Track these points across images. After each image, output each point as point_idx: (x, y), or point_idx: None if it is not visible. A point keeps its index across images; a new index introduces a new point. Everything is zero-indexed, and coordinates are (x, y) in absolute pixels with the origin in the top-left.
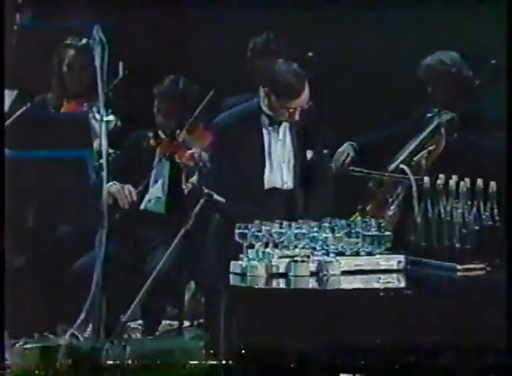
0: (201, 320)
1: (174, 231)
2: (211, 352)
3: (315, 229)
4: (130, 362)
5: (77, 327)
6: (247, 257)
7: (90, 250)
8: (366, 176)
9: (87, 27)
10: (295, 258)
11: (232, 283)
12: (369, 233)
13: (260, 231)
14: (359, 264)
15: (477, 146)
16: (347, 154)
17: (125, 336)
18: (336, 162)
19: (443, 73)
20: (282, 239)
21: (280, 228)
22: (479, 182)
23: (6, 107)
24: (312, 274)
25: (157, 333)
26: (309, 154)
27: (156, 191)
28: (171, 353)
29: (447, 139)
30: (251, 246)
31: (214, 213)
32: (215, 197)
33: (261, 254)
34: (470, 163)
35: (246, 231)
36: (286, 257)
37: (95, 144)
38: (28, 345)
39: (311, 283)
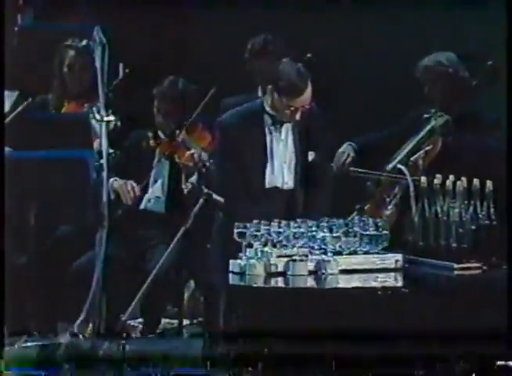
0: (200, 319)
1: (174, 230)
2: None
3: (313, 229)
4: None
5: (78, 326)
6: (246, 256)
7: (90, 249)
8: (366, 176)
9: (87, 28)
10: (294, 257)
11: (231, 282)
12: (367, 233)
13: (258, 230)
14: (357, 263)
15: (474, 146)
16: (348, 155)
17: (125, 334)
18: (336, 162)
19: (440, 74)
20: (280, 238)
21: (279, 227)
22: (475, 181)
23: (7, 108)
24: (311, 273)
25: (157, 331)
26: (311, 156)
27: (156, 191)
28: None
29: (443, 139)
30: (250, 245)
31: (216, 212)
32: (214, 196)
33: (259, 253)
34: (466, 163)
35: (245, 230)
36: (285, 256)
37: (96, 144)
38: (29, 344)
39: (310, 282)
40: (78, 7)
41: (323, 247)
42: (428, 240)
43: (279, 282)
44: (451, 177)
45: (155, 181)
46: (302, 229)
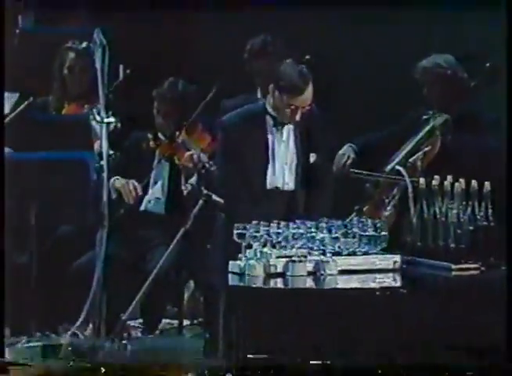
0: (201, 319)
1: (174, 231)
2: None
3: (312, 230)
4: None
5: (78, 326)
6: (245, 257)
7: (91, 249)
8: (366, 178)
9: (87, 30)
10: (293, 258)
11: (230, 282)
12: (366, 234)
13: (258, 231)
14: (356, 264)
15: (473, 147)
16: (348, 156)
17: (125, 334)
18: (337, 164)
19: (438, 75)
20: (279, 239)
21: (278, 228)
22: (474, 183)
23: (8, 109)
24: (310, 274)
25: (157, 331)
26: (312, 157)
27: (156, 192)
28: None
29: (442, 140)
30: (249, 246)
31: (218, 213)
32: (214, 197)
33: (259, 253)
34: (465, 164)
35: (244, 231)
36: (284, 257)
37: (96, 145)
38: (30, 344)
39: (309, 283)
40: (78, 9)
41: (322, 247)
42: (426, 241)
43: (279, 283)
44: (449, 178)
45: (155, 182)
46: (301, 230)
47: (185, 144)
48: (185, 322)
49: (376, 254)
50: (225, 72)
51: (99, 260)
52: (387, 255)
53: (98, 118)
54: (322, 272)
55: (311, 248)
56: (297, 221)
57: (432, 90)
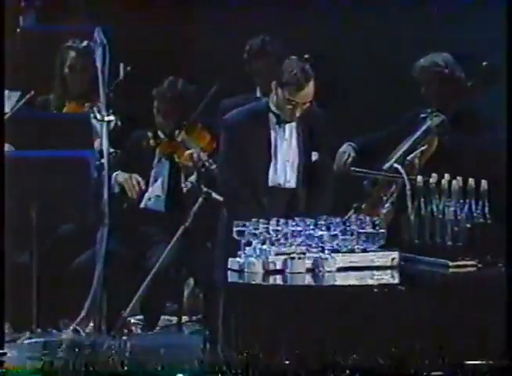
0: (200, 316)
1: (174, 229)
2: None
3: (311, 227)
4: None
5: (79, 323)
6: (245, 254)
7: (91, 247)
8: (366, 176)
9: (88, 29)
10: (292, 255)
11: (230, 279)
12: (364, 231)
13: (257, 229)
14: (354, 261)
15: (470, 145)
16: (349, 155)
17: (126, 331)
18: (338, 163)
19: (436, 74)
20: (279, 236)
21: (277, 225)
22: (471, 181)
23: (10, 108)
24: (308, 271)
25: (157, 328)
26: (314, 156)
27: (156, 190)
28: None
29: (439, 139)
30: (249, 243)
31: (222, 210)
32: (214, 195)
33: (258, 251)
34: (462, 162)
35: (243, 229)
36: (283, 254)
37: (97, 144)
38: (33, 340)
39: (307, 280)
40: (79, 8)
41: (321, 245)
42: (424, 238)
43: (278, 279)
44: (446, 176)
45: (155, 180)
46: (300, 228)
47: (185, 143)
48: (185, 318)
49: (374, 251)
50: (224, 71)
51: (100, 257)
52: (386, 252)
53: (98, 117)
54: (321, 269)
55: (310, 245)
56: (296, 218)
57: (430, 89)
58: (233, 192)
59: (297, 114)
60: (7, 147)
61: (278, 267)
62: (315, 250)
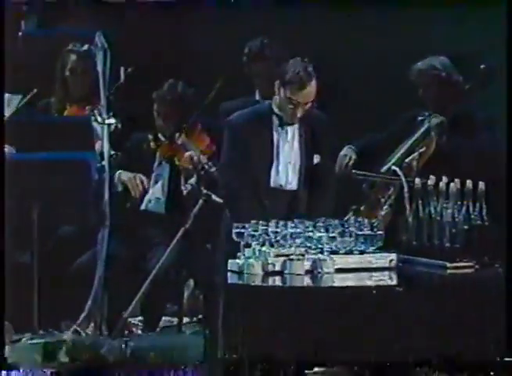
0: (200, 316)
1: (174, 231)
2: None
3: (309, 229)
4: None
5: (80, 324)
6: (244, 255)
7: (92, 249)
8: (367, 178)
9: (89, 33)
10: (291, 257)
11: (229, 281)
12: (362, 233)
13: (256, 230)
14: (353, 262)
15: (467, 147)
16: (350, 157)
17: (126, 332)
18: (339, 165)
19: (433, 77)
20: (278, 238)
21: (276, 227)
22: (468, 183)
23: (12, 111)
24: (307, 272)
25: (157, 329)
26: (316, 159)
27: (156, 192)
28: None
29: (437, 141)
30: (248, 245)
31: (224, 212)
32: (213, 197)
33: (257, 252)
34: (459, 164)
35: (243, 230)
36: (282, 255)
37: (97, 146)
38: (34, 341)
39: (306, 281)
40: (80, 13)
41: (320, 246)
42: (422, 240)
43: (277, 281)
44: (444, 178)
45: (155, 182)
46: (299, 229)
47: (185, 145)
48: (185, 319)
49: (372, 252)
50: (224, 74)
51: (101, 259)
52: (384, 254)
53: (99, 119)
54: (320, 270)
55: (309, 247)
56: (296, 220)
57: (427, 92)
58: (235, 193)
59: (299, 115)
60: (9, 150)
61: (277, 268)
62: (313, 251)
